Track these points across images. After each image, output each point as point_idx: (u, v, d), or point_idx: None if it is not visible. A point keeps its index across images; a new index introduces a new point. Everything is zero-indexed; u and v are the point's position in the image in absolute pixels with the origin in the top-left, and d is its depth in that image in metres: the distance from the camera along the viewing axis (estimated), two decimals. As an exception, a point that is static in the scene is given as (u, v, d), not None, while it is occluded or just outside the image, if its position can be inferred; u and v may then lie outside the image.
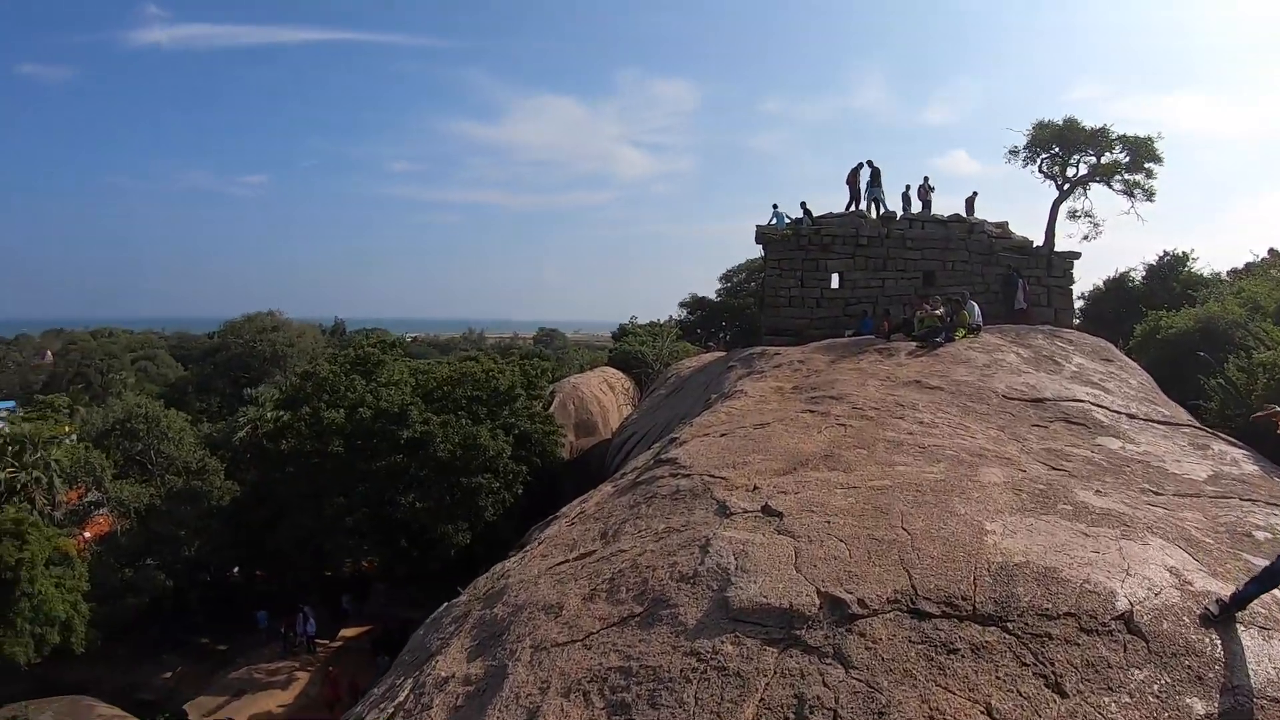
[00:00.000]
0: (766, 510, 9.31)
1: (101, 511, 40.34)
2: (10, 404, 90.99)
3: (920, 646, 6.40)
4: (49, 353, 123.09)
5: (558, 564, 9.84)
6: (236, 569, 42.33)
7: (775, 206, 30.54)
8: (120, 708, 32.14)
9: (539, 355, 75.79)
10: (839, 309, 29.49)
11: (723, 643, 6.81)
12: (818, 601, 7.09)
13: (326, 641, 35.98)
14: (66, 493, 40.95)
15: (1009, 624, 6.54)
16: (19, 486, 38.77)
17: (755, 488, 10.28)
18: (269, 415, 43.20)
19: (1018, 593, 6.85)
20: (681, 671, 6.63)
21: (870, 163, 30.86)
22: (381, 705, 8.76)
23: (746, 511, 9.41)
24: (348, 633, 36.81)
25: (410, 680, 8.84)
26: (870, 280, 29.54)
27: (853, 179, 30.68)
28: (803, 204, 30.68)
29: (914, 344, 21.36)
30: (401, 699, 8.42)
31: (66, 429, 56.68)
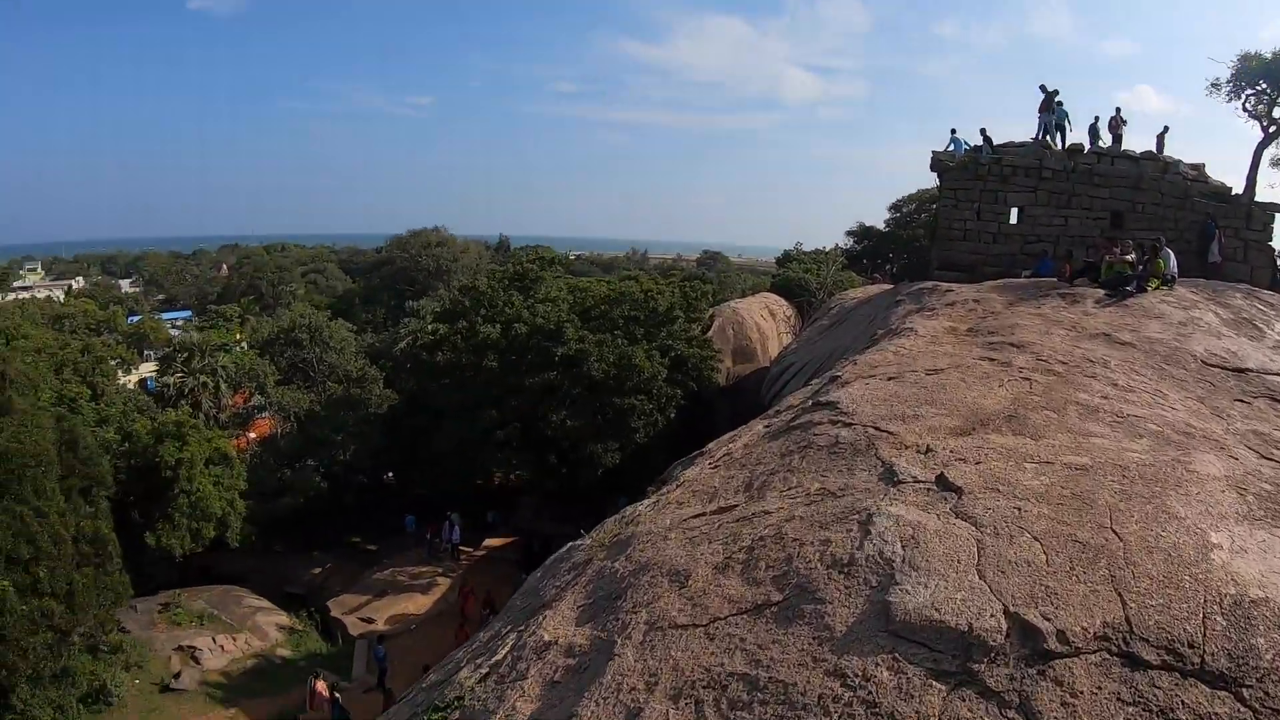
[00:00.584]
0: (942, 482, 7.30)
1: (264, 415, 41.57)
2: (187, 314, 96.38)
3: (1132, 710, 4.49)
4: (225, 266, 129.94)
5: (693, 516, 8.22)
6: (391, 474, 42.92)
7: (953, 132, 27.94)
8: (269, 599, 33.28)
9: (700, 278, 74.36)
10: (1017, 246, 26.84)
11: (877, 666, 5.05)
12: (1005, 626, 5.14)
13: (470, 550, 36.13)
14: (232, 397, 42.42)
15: (1244, 689, 4.53)
16: (187, 390, 40.31)
17: (928, 449, 8.29)
18: (428, 328, 43.39)
19: (1258, 645, 4.77)
20: (820, 697, 4.96)
21: (1044, 87, 27.95)
22: (478, 661, 7.58)
23: (918, 481, 7.41)
24: (492, 543, 36.81)
25: (514, 635, 7.62)
26: (1052, 217, 26.67)
27: (1047, 108, 27.65)
28: (982, 130, 27.94)
29: (1100, 291, 18.96)
30: (500, 657, 7.20)
31: (237, 336, 59.20)
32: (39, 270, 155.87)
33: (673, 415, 34.24)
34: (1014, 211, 27.20)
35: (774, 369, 33.09)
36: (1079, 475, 7.22)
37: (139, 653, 26.53)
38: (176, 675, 26.11)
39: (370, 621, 30.01)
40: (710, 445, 12.71)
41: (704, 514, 8.22)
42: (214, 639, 27.99)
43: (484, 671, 7.07)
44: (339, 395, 42.53)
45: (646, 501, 10.07)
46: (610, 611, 6.76)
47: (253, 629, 29.40)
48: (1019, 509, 6.52)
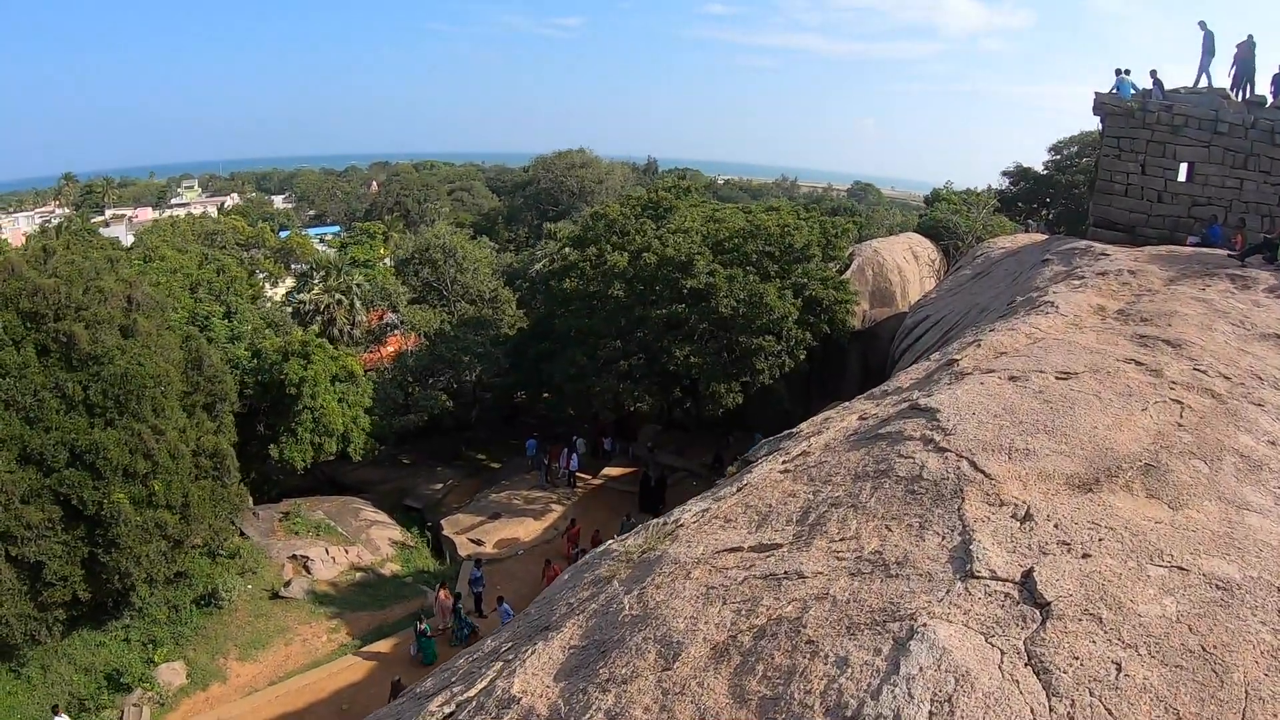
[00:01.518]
0: (1028, 586, 5.10)
1: (396, 333, 41.83)
2: (336, 229, 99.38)
3: None
4: (375, 183, 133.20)
5: (728, 550, 6.61)
6: (521, 393, 42.83)
7: (1121, 72, 24.74)
8: (387, 512, 33.74)
9: (848, 210, 71.19)
10: (1183, 208, 23.79)
11: None
12: None
13: (589, 477, 35.63)
14: (366, 314, 42.92)
15: None
16: (323, 307, 40.94)
17: (1028, 514, 6.13)
18: (558, 253, 42.72)
19: None
20: None
21: (1204, 24, 24.32)
22: (455, 689, 6.58)
23: (995, 578, 5.21)
24: (611, 472, 36.16)
25: (499, 665, 6.52)
26: (1225, 178, 23.29)
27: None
28: (1153, 73, 24.55)
29: (1278, 277, 16.16)
30: (472, 694, 6.17)
31: (381, 252, 60.12)
32: (196, 188, 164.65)
33: (802, 357, 32.57)
34: (1183, 168, 24.05)
35: (909, 319, 30.91)
36: (1219, 606, 4.93)
37: (255, 559, 27.32)
38: (287, 583, 26.62)
39: (479, 544, 29.90)
40: (801, 427, 11.25)
41: (741, 549, 6.71)
42: (326, 550, 28.39)
43: (448, 711, 6.22)
44: (470, 316, 42.49)
45: (694, 508, 8.57)
46: (588, 674, 5.50)
47: (366, 542, 29.72)
48: (1119, 668, 4.33)
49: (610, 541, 9.07)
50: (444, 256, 44.16)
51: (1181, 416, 8.56)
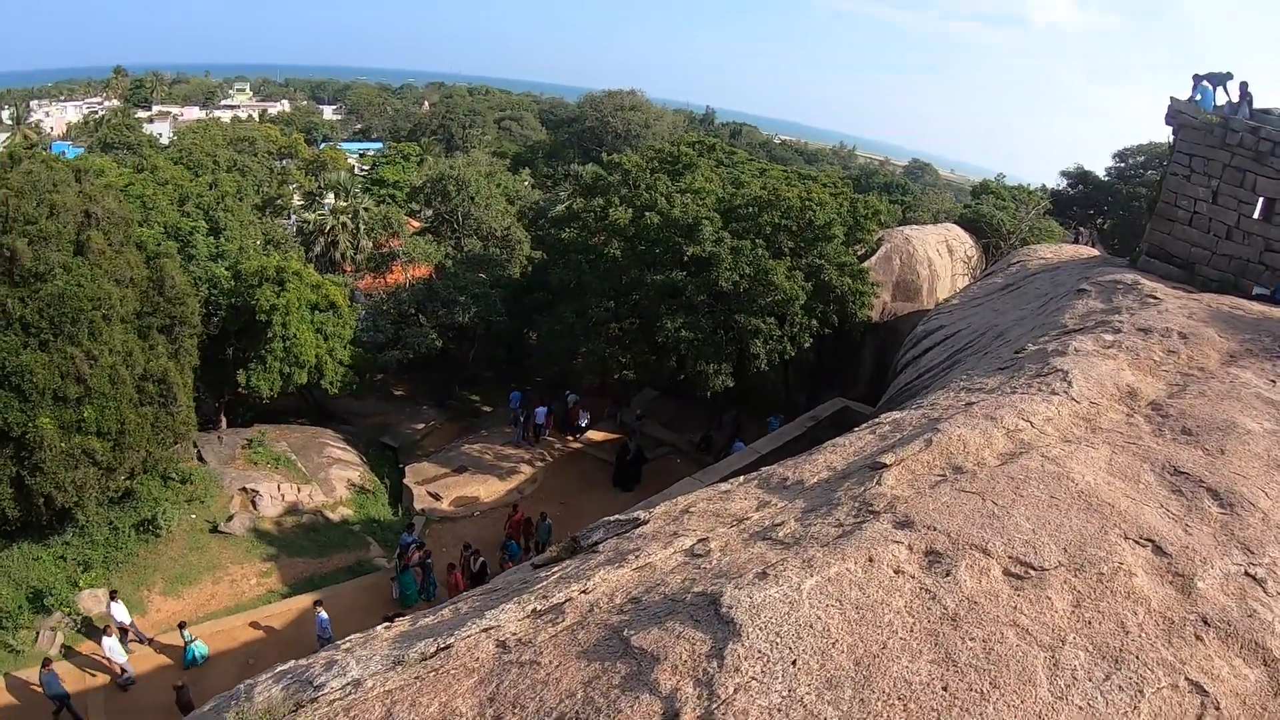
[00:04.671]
0: None
1: (397, 261, 40.55)
2: (379, 144, 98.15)
3: None
4: (427, 103, 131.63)
5: (630, 585, 5.81)
6: (532, 334, 41.56)
7: (1201, 79, 21.22)
8: (362, 447, 32.88)
9: (900, 188, 68.83)
10: (1255, 250, 20.05)
11: None
12: None
13: (571, 438, 34.14)
14: (371, 239, 41.65)
15: None
16: (327, 229, 39.70)
17: None
18: (570, 198, 40.96)
19: None
20: None
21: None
22: (304, 676, 5.61)
23: None
24: (593, 436, 34.52)
25: (354, 664, 5.39)
26: None
27: None
28: (1243, 85, 20.83)
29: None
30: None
31: (414, 175, 58.83)
32: (247, 91, 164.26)
33: (806, 344, 30.34)
34: (1260, 202, 20.14)
35: (920, 326, 28.13)
36: None
37: (206, 488, 26.41)
38: (230, 518, 25.58)
39: (436, 499, 28.68)
40: (645, 524, 8.39)
41: (645, 590, 5.79)
42: (278, 486, 27.31)
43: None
44: (476, 253, 40.97)
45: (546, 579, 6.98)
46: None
47: (322, 481, 28.57)
48: None
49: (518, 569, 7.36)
50: (457, 189, 42.45)
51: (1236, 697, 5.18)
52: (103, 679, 20.34)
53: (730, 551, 6.96)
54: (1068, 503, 7.38)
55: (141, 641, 21.43)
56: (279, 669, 6.39)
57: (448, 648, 5.68)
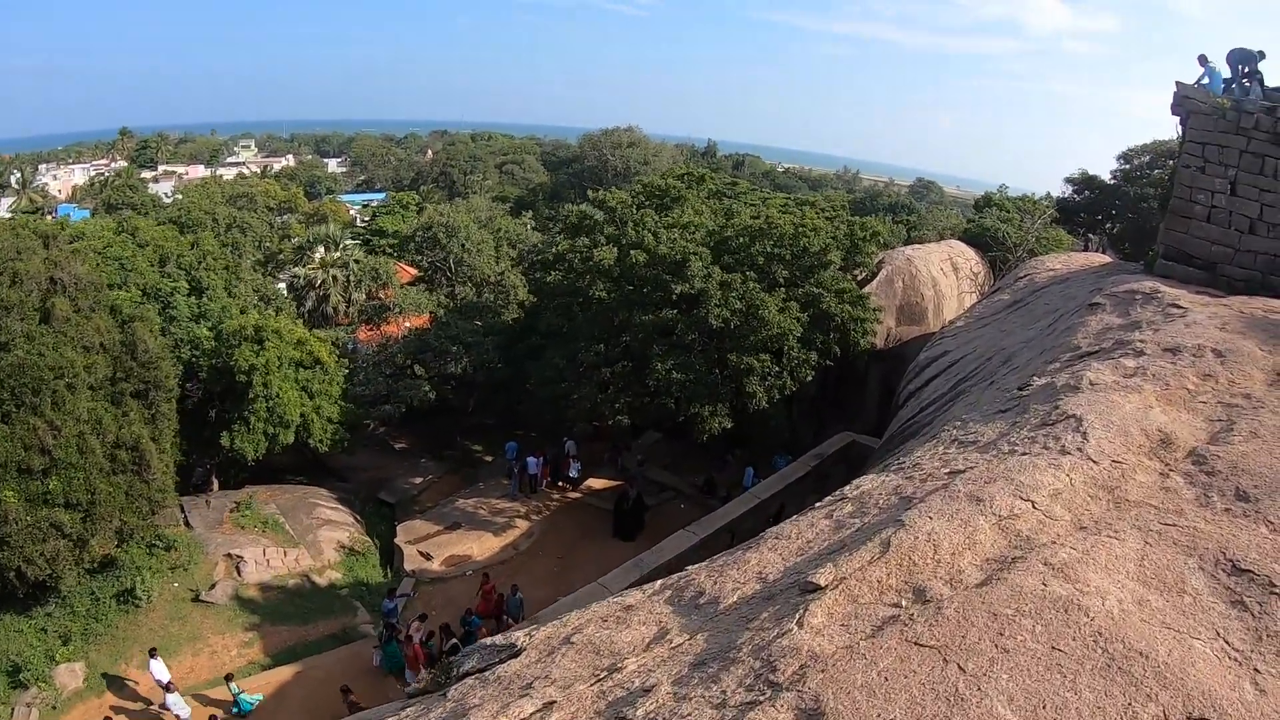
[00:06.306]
0: None
1: (390, 313, 40.00)
2: (382, 194, 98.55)
3: None
4: (430, 151, 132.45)
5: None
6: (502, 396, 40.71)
7: (1205, 61, 19.46)
8: (359, 504, 32.28)
9: (904, 208, 68.13)
10: None
11: None
12: None
13: (569, 489, 33.09)
14: (364, 290, 41.16)
15: None
16: (318, 283, 39.22)
17: None
18: (554, 241, 40.26)
19: None
20: None
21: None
22: None
23: None
24: (594, 484, 33.39)
25: None
26: None
27: None
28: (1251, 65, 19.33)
29: None
30: None
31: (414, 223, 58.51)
32: (252, 147, 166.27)
33: (808, 379, 29.14)
34: None
35: (924, 353, 26.60)
36: None
37: (190, 554, 25.70)
38: (212, 586, 24.73)
39: (428, 558, 27.64)
40: (525, 649, 7.09)
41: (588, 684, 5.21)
42: (264, 551, 26.49)
43: None
44: (469, 300, 40.35)
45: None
46: None
47: (310, 544, 27.67)
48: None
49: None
50: (447, 236, 41.90)
51: None
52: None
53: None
54: (1079, 657, 4.88)
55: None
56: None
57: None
